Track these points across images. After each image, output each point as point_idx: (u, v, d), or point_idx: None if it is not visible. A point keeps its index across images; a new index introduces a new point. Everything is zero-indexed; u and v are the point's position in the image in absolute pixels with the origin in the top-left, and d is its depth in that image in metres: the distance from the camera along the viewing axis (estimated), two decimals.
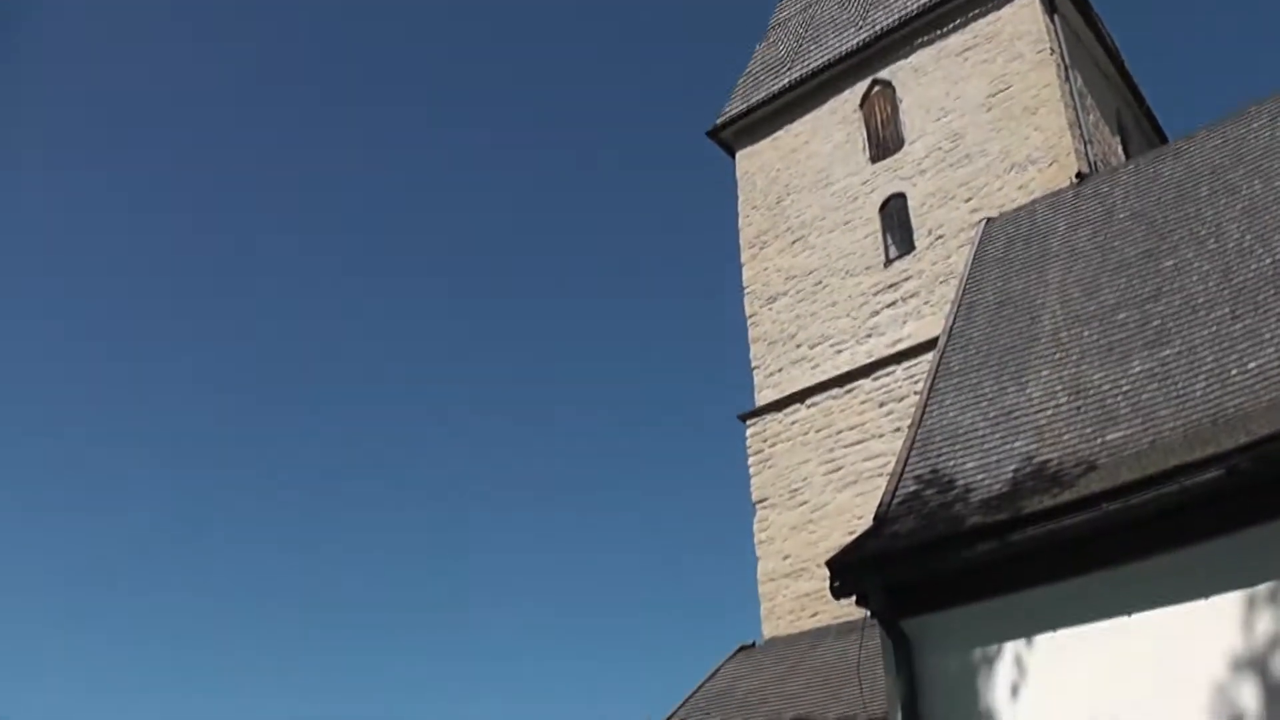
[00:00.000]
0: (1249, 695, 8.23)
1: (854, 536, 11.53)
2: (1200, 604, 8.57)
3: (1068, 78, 18.54)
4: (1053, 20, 19.02)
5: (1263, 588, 8.36)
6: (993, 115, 18.86)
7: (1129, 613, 8.89)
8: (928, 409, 12.10)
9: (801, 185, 21.15)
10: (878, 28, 20.69)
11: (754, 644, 17.53)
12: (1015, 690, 9.35)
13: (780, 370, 19.96)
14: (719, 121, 22.73)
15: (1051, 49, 18.58)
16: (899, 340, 18.45)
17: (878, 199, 19.96)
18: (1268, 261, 11.00)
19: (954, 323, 13.51)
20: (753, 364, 20.53)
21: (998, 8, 19.39)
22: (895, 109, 20.29)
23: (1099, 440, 10.09)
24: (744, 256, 21.59)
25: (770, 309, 20.64)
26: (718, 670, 16.79)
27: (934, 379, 12.61)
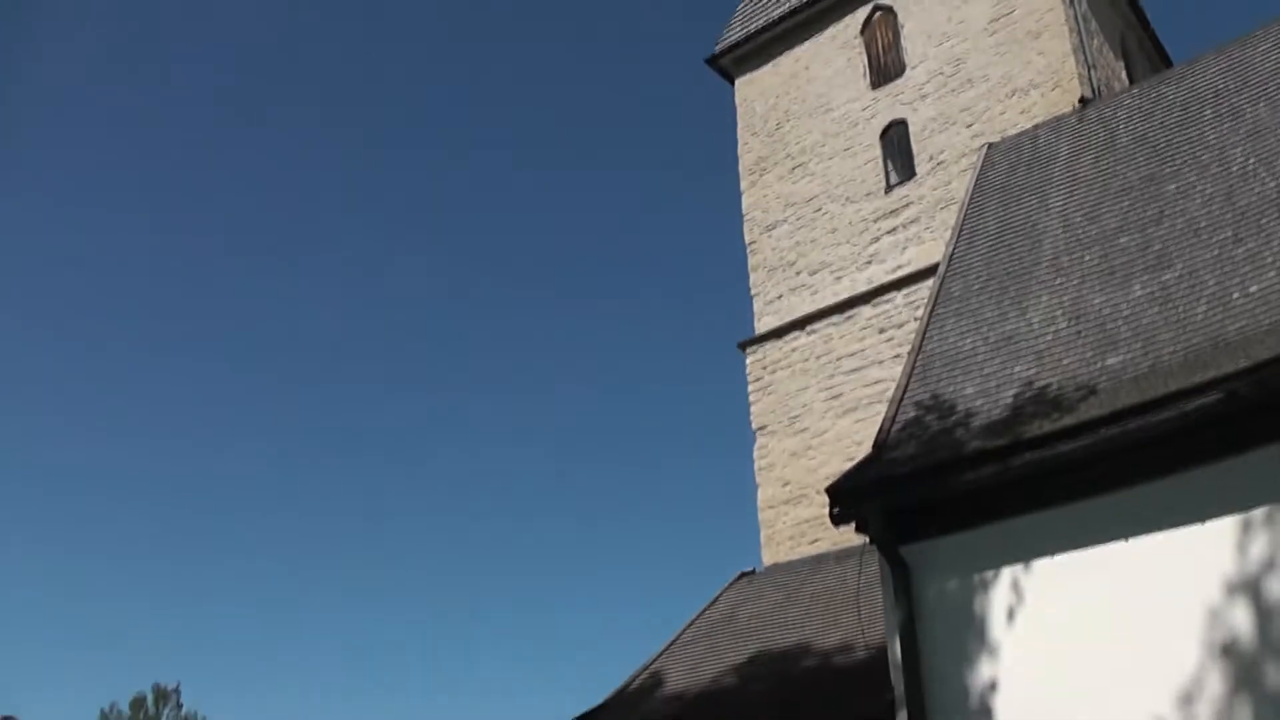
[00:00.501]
0: (1243, 618, 8.32)
1: (853, 463, 11.57)
2: (1196, 528, 8.63)
3: (1072, 2, 18.27)
4: None
5: (1258, 511, 8.41)
6: (995, 40, 18.61)
7: (1126, 537, 8.96)
8: (928, 335, 12.09)
9: (801, 112, 20.93)
10: None
11: (754, 571, 17.66)
12: (1012, 615, 9.44)
13: (780, 298, 19.90)
14: (718, 48, 22.43)
15: None
16: (899, 267, 18.37)
17: (878, 125, 19.75)
18: (1271, 185, 10.91)
19: (955, 248, 13.44)
20: (752, 291, 20.46)
21: None
22: (896, 34, 20.01)
23: (1098, 365, 10.08)
24: (743, 184, 21.42)
25: (770, 236, 20.53)
26: (718, 597, 16.93)
27: (934, 305, 12.58)
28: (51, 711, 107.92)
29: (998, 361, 11.03)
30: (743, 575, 17.49)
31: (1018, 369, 10.73)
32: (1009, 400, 10.27)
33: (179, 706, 76.58)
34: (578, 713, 15.06)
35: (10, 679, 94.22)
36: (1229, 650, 8.32)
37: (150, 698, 75.94)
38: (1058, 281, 11.70)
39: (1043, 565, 9.33)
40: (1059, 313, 11.18)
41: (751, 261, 20.72)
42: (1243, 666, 8.25)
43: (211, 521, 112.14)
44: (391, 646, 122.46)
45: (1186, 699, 8.40)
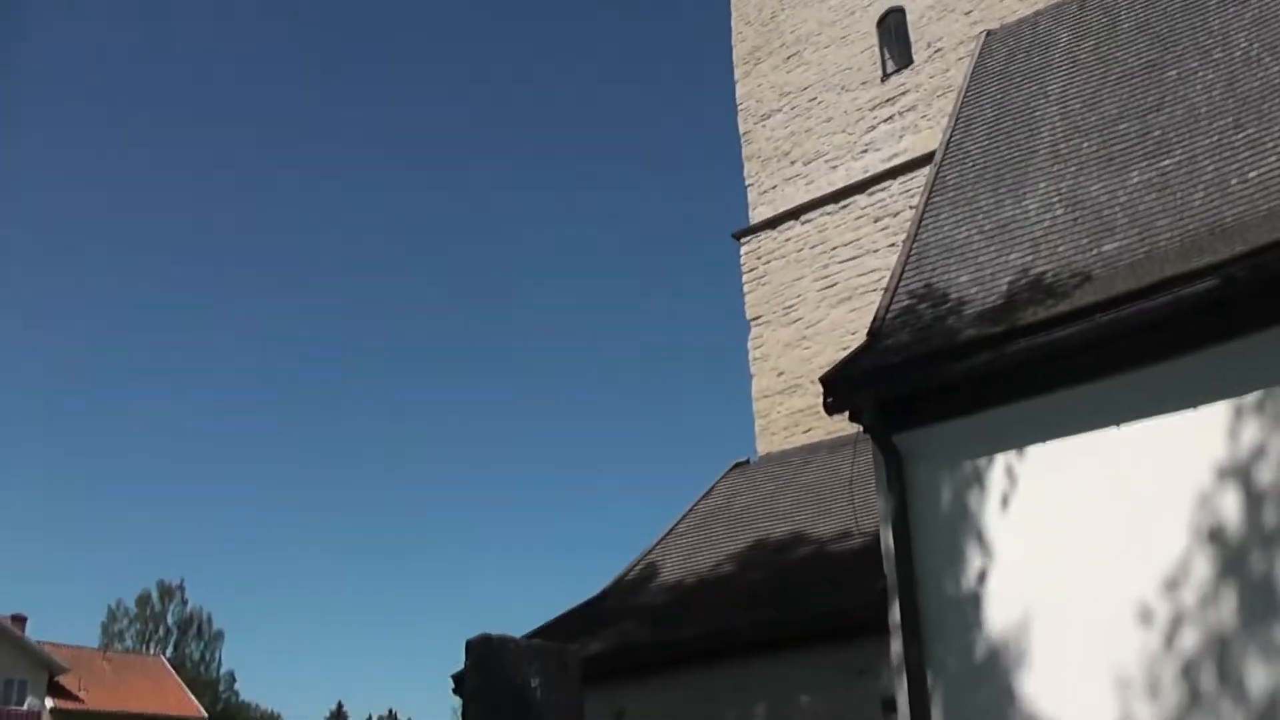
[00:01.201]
0: (1231, 504, 8.41)
1: (848, 352, 11.59)
2: (1189, 414, 8.68)
3: None
4: None
5: (1251, 397, 8.45)
6: None
7: (1118, 423, 9.01)
8: (923, 224, 12.02)
9: (797, 0, 20.54)
10: None
11: (748, 461, 17.82)
12: (1005, 502, 9.53)
13: (775, 188, 19.76)
14: None
15: None
16: (895, 155, 18.21)
17: (875, 12, 19.41)
18: (1275, 70, 10.74)
19: (951, 136, 13.29)
20: (747, 182, 20.31)
21: None
22: None
23: (1094, 252, 10.04)
24: (737, 73, 21.12)
25: (764, 126, 20.30)
26: (713, 487, 17.10)
27: (930, 193, 12.48)
28: (60, 610, 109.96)
29: (993, 250, 10.99)
30: (737, 465, 17.65)
31: (1013, 257, 10.68)
32: (1004, 288, 10.25)
33: (184, 602, 78.22)
34: (576, 603, 15.32)
35: (19, 581, 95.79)
36: (1216, 536, 8.43)
37: (155, 594, 77.52)
38: (1055, 169, 11.59)
39: (1035, 452, 9.40)
40: (1056, 200, 11.10)
41: (746, 152, 20.53)
42: (1230, 553, 8.36)
43: (210, 421, 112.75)
44: (393, 542, 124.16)
45: (1173, 585, 8.54)
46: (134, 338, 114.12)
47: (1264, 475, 8.32)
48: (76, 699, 54.40)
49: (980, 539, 9.62)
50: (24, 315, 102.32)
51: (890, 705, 10.09)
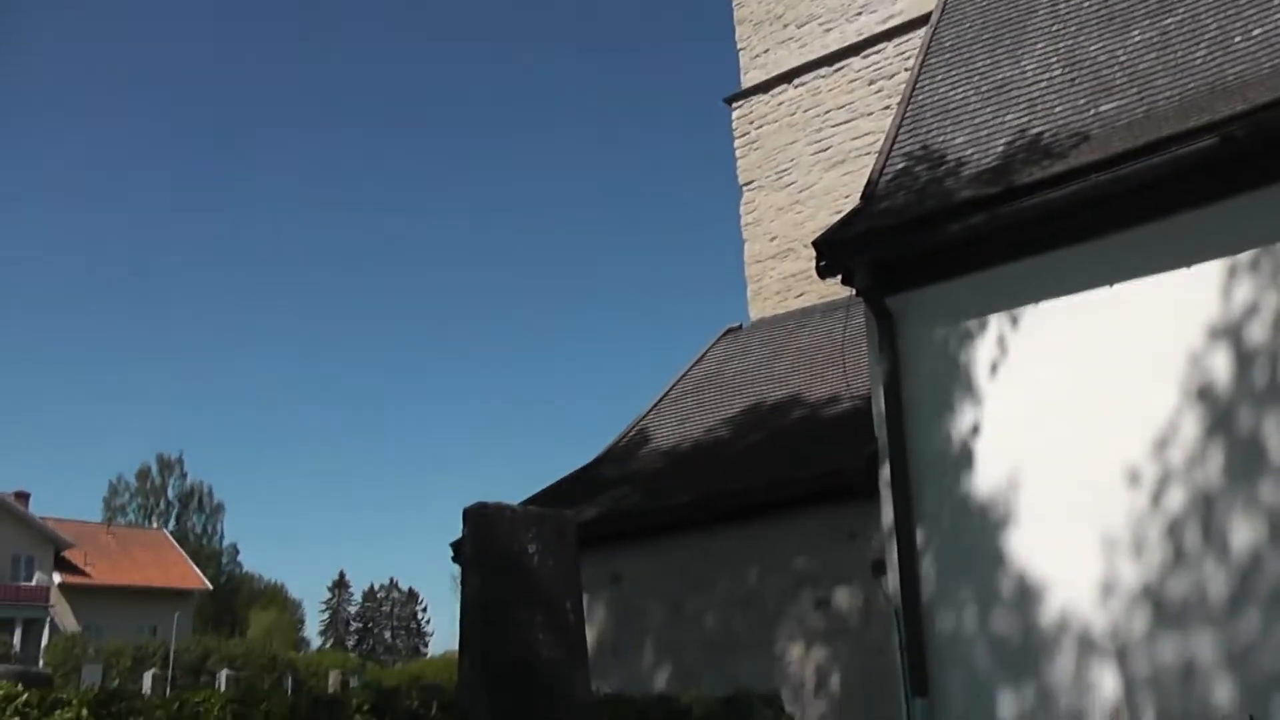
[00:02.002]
0: (1222, 363, 8.44)
1: (841, 216, 11.49)
2: (1183, 273, 8.65)
3: None
4: None
5: (1246, 255, 8.40)
6: None
7: (1111, 283, 8.98)
8: (918, 85, 11.79)
9: None
10: None
11: (741, 326, 17.83)
12: (996, 363, 9.56)
13: (767, 51, 19.35)
14: None
15: None
16: (890, 17, 17.79)
17: None
18: None
19: None
20: (738, 46, 19.88)
21: None
22: None
23: (1092, 111, 9.88)
24: None
25: None
26: (705, 353, 17.14)
27: (926, 54, 12.22)
28: (63, 487, 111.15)
29: (990, 110, 10.80)
30: (730, 331, 17.67)
31: (1010, 118, 10.51)
32: (1000, 149, 10.11)
33: (183, 476, 79.08)
34: (571, 469, 15.48)
35: (20, 458, 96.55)
36: (1206, 395, 8.47)
37: (155, 468, 78.30)
38: (1054, 29, 11.32)
39: (1027, 313, 9.39)
40: (1054, 60, 10.87)
41: (738, 15, 20.06)
42: (1218, 411, 8.42)
43: (208, 289, 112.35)
44: (391, 405, 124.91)
45: (1161, 444, 8.62)
46: (130, 203, 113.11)
47: (1256, 333, 8.33)
48: (83, 573, 55.36)
49: (971, 400, 9.67)
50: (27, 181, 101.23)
51: (880, 567, 10.28)
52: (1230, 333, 8.45)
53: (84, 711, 4.86)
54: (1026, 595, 9.13)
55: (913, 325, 10.05)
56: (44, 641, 48.60)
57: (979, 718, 8.79)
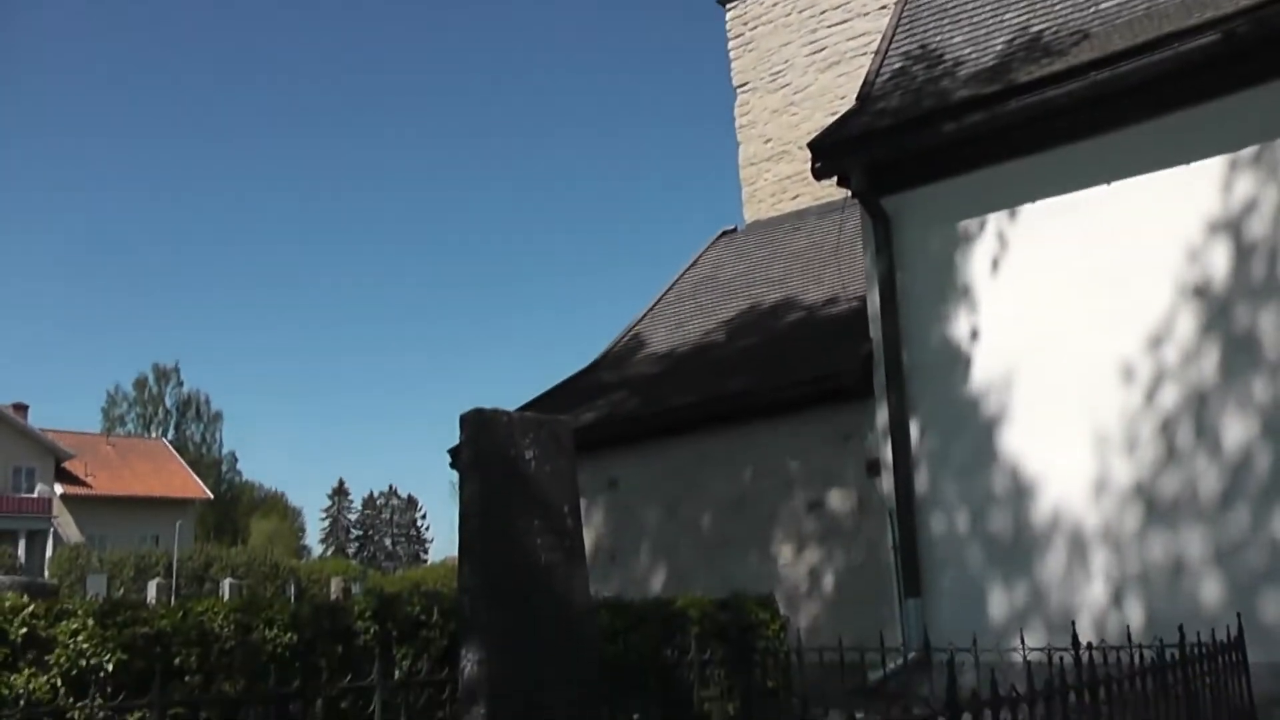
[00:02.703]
0: (1220, 259, 8.41)
1: (837, 117, 11.35)
2: (1182, 169, 8.57)
3: None
4: None
5: (1246, 151, 8.33)
6: None
7: (1109, 181, 8.91)
8: None
9: None
10: None
11: (736, 229, 17.72)
12: (993, 264, 9.52)
13: None
14: None
15: None
16: None
17: None
18: None
19: None
20: None
21: None
22: None
23: (1092, 9, 9.70)
24: None
25: None
26: (700, 256, 17.06)
27: None
28: (61, 398, 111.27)
29: (988, 9, 10.61)
30: (724, 234, 17.56)
31: (1009, 16, 10.33)
32: (999, 48, 9.96)
33: (180, 384, 79.26)
34: (568, 376, 15.50)
35: (17, 369, 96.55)
36: (1203, 292, 8.47)
37: (152, 378, 78.46)
38: None
39: (1025, 212, 9.34)
40: None
41: None
42: (1214, 308, 8.42)
43: (199, 199, 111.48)
44: (389, 313, 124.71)
45: (1156, 341, 8.63)
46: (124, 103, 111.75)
47: (1255, 229, 8.29)
48: (84, 484, 55.74)
49: (967, 300, 9.66)
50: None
51: (875, 468, 10.35)
52: (1229, 228, 8.41)
53: (90, 621, 4.90)
54: (1020, 495, 9.21)
55: (909, 226, 9.99)
56: (48, 553, 49.12)
57: (971, 617, 8.91)
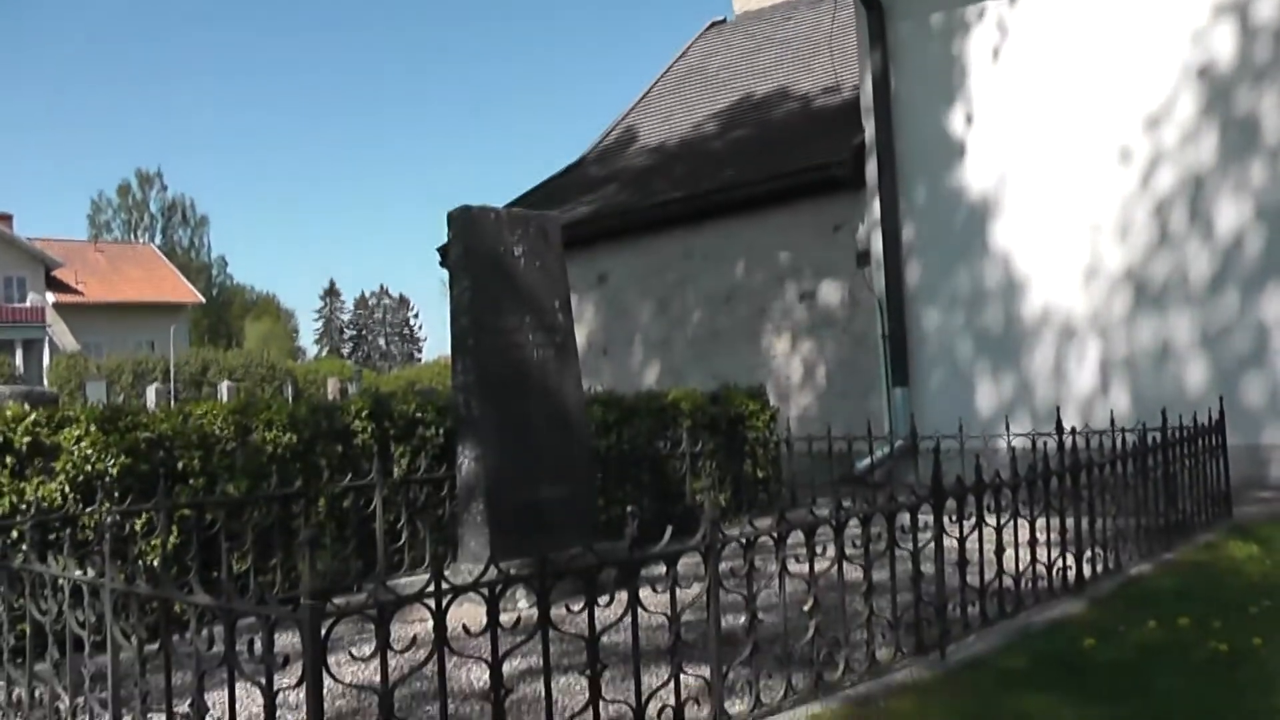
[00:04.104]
0: (1226, 39, 8.23)
1: None
2: None
3: None
4: None
5: None
6: None
7: None
8: None
9: None
10: None
11: (725, 20, 17.24)
12: (991, 51, 9.30)
13: None
14: None
15: None
16: None
17: None
18: None
19: None
20: None
21: None
22: None
23: None
24: None
25: None
26: (689, 48, 16.64)
27: None
28: (43, 207, 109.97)
29: None
30: (714, 25, 17.09)
31: None
32: None
33: (164, 189, 78.28)
34: (556, 171, 15.33)
35: (4, 179, 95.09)
36: (1206, 73, 8.30)
37: (135, 183, 77.42)
38: None
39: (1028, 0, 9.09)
40: None
41: None
42: (1216, 90, 8.27)
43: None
44: (375, 106, 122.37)
45: (1155, 124, 8.51)
46: None
47: (1262, 11, 8.09)
48: (75, 292, 55.64)
49: (963, 90, 9.47)
50: None
51: (865, 258, 10.34)
52: (1235, 9, 8.19)
53: (92, 428, 4.95)
54: (1010, 284, 9.24)
55: (903, 15, 9.70)
56: (45, 362, 49.44)
57: (959, 407, 9.07)
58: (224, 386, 34.04)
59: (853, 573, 3.60)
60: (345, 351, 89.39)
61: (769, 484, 8.46)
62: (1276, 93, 8.04)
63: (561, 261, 5.88)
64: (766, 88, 14.00)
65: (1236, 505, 6.93)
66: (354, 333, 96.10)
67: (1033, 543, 4.52)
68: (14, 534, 4.36)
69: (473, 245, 5.47)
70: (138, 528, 5.00)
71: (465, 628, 2.72)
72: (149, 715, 2.95)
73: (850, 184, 10.33)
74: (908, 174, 9.77)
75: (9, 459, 4.83)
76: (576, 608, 2.89)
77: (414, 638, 2.83)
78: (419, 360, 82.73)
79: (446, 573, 2.68)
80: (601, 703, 2.87)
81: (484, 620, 2.68)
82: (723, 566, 3.24)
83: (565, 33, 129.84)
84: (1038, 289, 9.09)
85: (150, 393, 32.24)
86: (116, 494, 4.95)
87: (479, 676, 3.78)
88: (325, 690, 2.37)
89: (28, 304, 53.85)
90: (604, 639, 2.92)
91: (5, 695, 3.74)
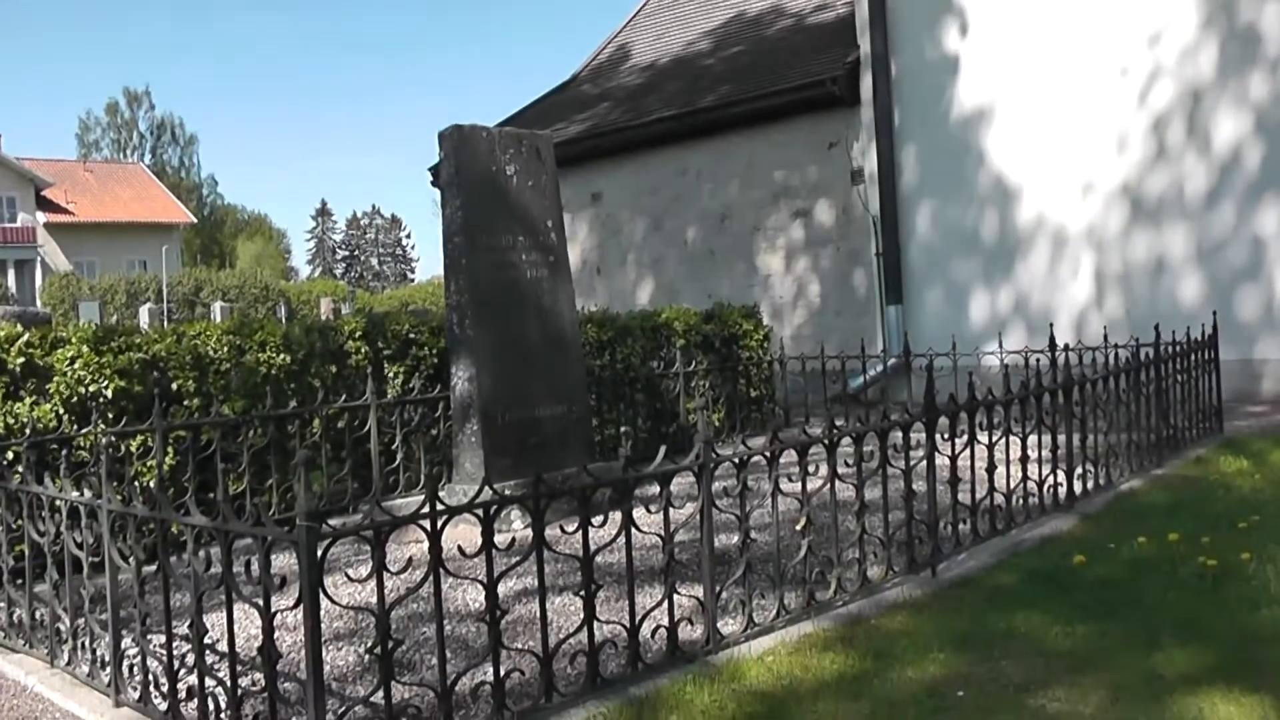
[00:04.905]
0: None
1: None
2: None
3: None
4: None
5: None
6: None
7: None
8: None
9: None
10: None
11: None
12: None
13: None
14: None
15: None
16: None
17: None
18: None
19: None
20: None
21: None
22: None
23: None
24: None
25: None
26: None
27: None
28: (32, 127, 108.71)
29: None
30: None
31: None
32: None
33: (152, 108, 77.36)
34: (549, 89, 15.15)
35: None
36: None
37: (123, 102, 76.45)
38: None
39: None
40: None
41: None
42: (1218, 1, 8.17)
43: None
44: (363, 19, 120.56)
45: (1155, 38, 8.41)
46: None
47: None
48: (66, 211, 55.21)
49: (958, 3, 9.35)
50: None
51: (859, 175, 10.28)
52: None
53: (85, 349, 4.93)
54: (1005, 200, 9.20)
55: None
56: (38, 282, 49.21)
57: (953, 324, 9.08)
58: (217, 307, 33.95)
59: (845, 492, 3.63)
60: (338, 272, 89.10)
61: (763, 403, 8.49)
62: (1278, 3, 7.94)
63: (554, 180, 5.83)
64: (760, 4, 13.78)
65: (1228, 420, 6.98)
66: (346, 253, 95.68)
67: (1024, 460, 4.55)
68: (10, 455, 4.36)
69: (465, 165, 5.42)
70: (133, 449, 5.01)
71: (461, 549, 2.74)
72: (149, 636, 2.98)
73: (845, 101, 10.22)
74: (903, 89, 9.67)
75: (3, 380, 4.82)
76: (571, 528, 2.91)
77: (410, 559, 2.85)
78: (412, 280, 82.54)
79: (441, 493, 2.69)
80: (596, 623, 2.90)
81: (479, 541, 2.70)
82: (716, 486, 3.25)
83: None
84: (1032, 203, 9.05)
85: (144, 313, 32.08)
86: (111, 415, 4.95)
87: (475, 597, 3.81)
88: (322, 612, 2.39)
89: (18, 224, 53.46)
90: (598, 559, 2.95)
91: (6, 616, 3.78)
